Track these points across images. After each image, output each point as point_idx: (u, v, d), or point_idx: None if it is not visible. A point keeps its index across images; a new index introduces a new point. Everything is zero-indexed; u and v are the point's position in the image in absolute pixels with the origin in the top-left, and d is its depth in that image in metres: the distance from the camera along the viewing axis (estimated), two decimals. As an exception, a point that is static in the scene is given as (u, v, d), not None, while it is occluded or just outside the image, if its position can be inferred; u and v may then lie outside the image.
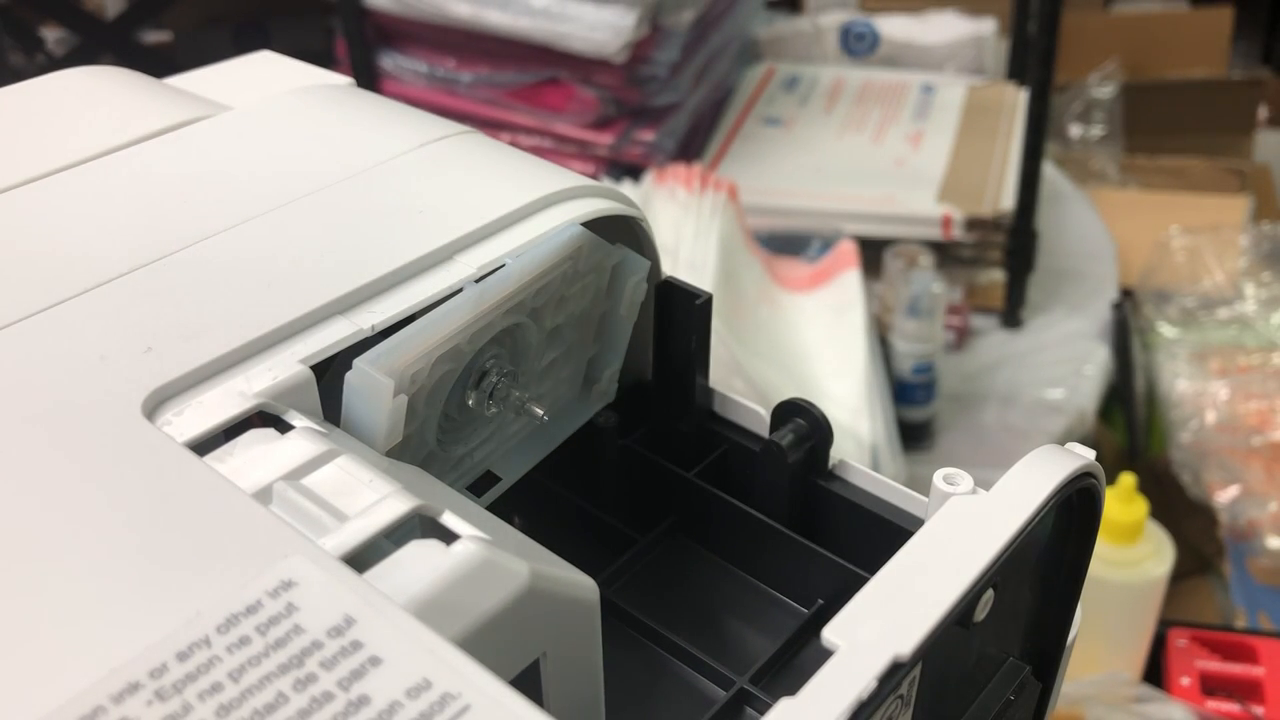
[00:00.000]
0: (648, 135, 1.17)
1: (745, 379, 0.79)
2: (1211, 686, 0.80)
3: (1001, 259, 1.18)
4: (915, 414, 1.04)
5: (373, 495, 0.23)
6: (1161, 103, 1.51)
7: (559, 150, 1.17)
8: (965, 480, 0.27)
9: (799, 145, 1.28)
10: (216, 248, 0.29)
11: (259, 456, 0.24)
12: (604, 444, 0.36)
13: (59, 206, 0.30)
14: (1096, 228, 1.29)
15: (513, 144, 0.36)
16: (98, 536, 0.21)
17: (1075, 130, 1.49)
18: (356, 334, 0.27)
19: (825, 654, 0.23)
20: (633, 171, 1.14)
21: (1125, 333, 1.14)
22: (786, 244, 1.10)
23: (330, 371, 0.27)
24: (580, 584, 0.24)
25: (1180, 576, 0.89)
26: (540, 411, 0.31)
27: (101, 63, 0.41)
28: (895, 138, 1.29)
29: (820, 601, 0.32)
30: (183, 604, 0.19)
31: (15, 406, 0.23)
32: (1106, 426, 1.12)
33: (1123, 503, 0.84)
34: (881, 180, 1.20)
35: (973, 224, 1.15)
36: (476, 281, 0.28)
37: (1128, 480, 0.84)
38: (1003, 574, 0.24)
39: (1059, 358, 1.10)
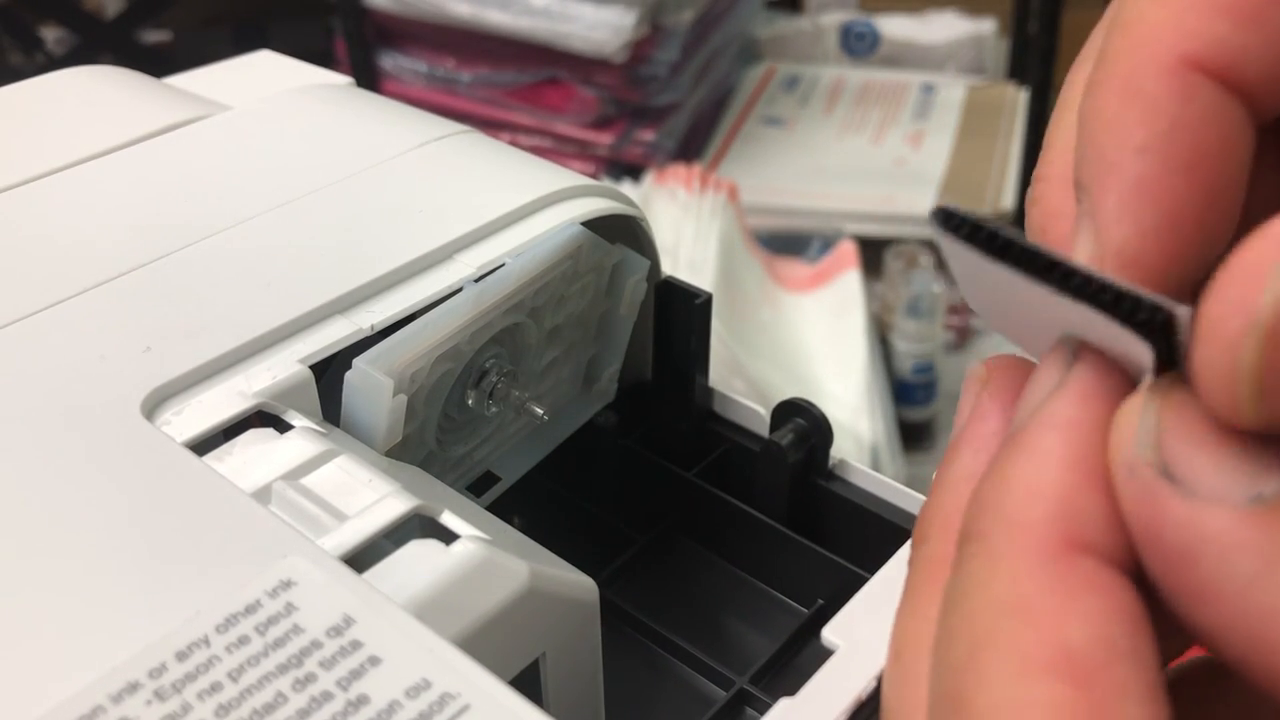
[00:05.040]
0: (648, 135, 1.17)
1: (745, 379, 0.79)
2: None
3: (1002, 259, 1.18)
4: (915, 414, 1.04)
5: (372, 495, 0.23)
6: (1162, 102, 1.51)
7: (559, 150, 1.17)
8: (965, 480, 0.27)
9: (799, 145, 1.28)
10: (216, 247, 0.29)
11: (258, 456, 0.23)
12: (604, 444, 0.36)
13: (59, 206, 0.30)
14: (1097, 227, 1.29)
15: (513, 144, 0.36)
16: (96, 536, 0.21)
17: (1075, 130, 1.49)
18: (356, 333, 0.27)
19: (825, 654, 0.23)
20: (633, 171, 1.14)
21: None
22: (786, 244, 1.10)
23: (330, 371, 0.27)
24: (580, 584, 0.24)
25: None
26: (540, 411, 0.31)
27: (101, 63, 0.40)
28: (895, 138, 1.29)
29: (820, 601, 0.32)
30: (182, 603, 0.19)
31: (14, 405, 0.23)
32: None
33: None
34: (881, 180, 1.20)
35: (973, 224, 1.15)
36: (476, 281, 0.28)
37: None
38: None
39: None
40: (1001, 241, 0.14)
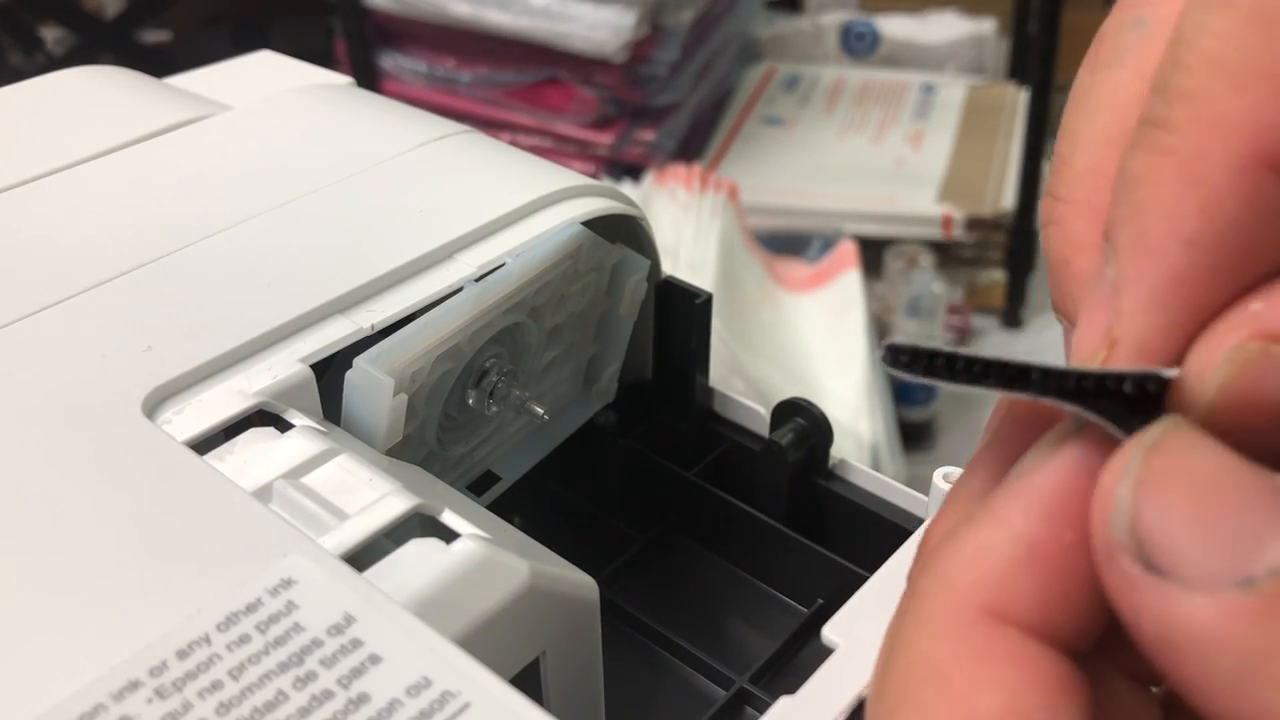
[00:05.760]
0: (648, 135, 1.17)
1: (745, 378, 0.79)
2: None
3: (1002, 259, 1.18)
4: (916, 414, 1.04)
5: (372, 494, 0.23)
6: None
7: (559, 150, 1.17)
8: (965, 479, 0.27)
9: (799, 145, 1.29)
10: (216, 247, 0.29)
11: (259, 455, 0.24)
12: (604, 443, 0.36)
13: (59, 206, 0.30)
14: (1097, 227, 1.29)
15: (513, 144, 0.36)
16: (98, 535, 0.21)
17: (1075, 130, 1.49)
18: (356, 333, 0.27)
19: (825, 653, 0.23)
20: (633, 171, 1.14)
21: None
22: (786, 244, 1.11)
23: (330, 370, 0.27)
24: (580, 582, 0.24)
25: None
26: (540, 410, 0.31)
27: (101, 63, 0.41)
28: (895, 138, 1.29)
29: (820, 601, 0.32)
30: (183, 602, 0.19)
31: (16, 404, 0.23)
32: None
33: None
34: (881, 180, 1.20)
35: (973, 224, 1.15)
36: (476, 280, 0.28)
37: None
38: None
39: (1060, 357, 1.10)
40: (960, 364, 0.14)
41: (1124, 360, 0.13)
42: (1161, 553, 0.12)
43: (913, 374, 0.14)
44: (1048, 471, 0.13)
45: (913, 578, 0.16)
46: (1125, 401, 0.13)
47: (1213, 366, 0.12)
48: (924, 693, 0.13)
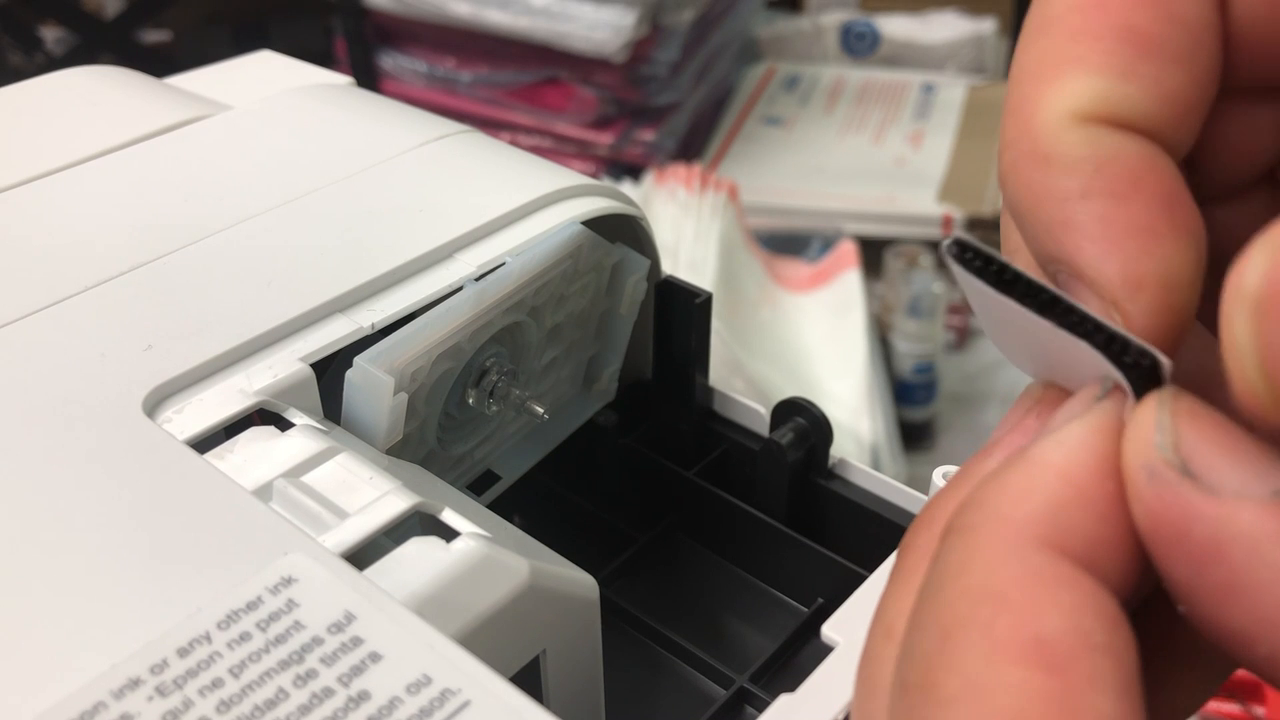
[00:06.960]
0: (648, 135, 1.17)
1: (745, 378, 0.79)
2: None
3: (1002, 259, 1.18)
4: (916, 414, 1.04)
5: (373, 492, 0.23)
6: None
7: (559, 150, 1.17)
8: (965, 478, 0.27)
9: (799, 145, 1.28)
10: (217, 246, 0.29)
11: (259, 454, 0.24)
12: (604, 443, 0.36)
13: (59, 206, 0.30)
14: (1097, 227, 1.29)
15: (513, 144, 0.36)
16: (98, 534, 0.21)
17: (1075, 130, 1.49)
18: (356, 332, 0.27)
19: (825, 652, 0.23)
20: (633, 171, 1.14)
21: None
22: (786, 244, 1.10)
23: (330, 369, 0.27)
24: (580, 581, 0.24)
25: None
26: (540, 410, 0.31)
27: (101, 63, 0.41)
28: (895, 137, 1.29)
29: (820, 600, 0.32)
30: (183, 600, 0.19)
31: (16, 403, 0.23)
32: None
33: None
34: (882, 180, 1.20)
35: (974, 224, 1.15)
36: (476, 280, 0.29)
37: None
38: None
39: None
40: (1010, 275, 0.15)
41: (1130, 304, 0.14)
42: (1204, 469, 0.13)
43: (969, 270, 0.15)
44: (1086, 424, 0.14)
45: (907, 546, 0.16)
46: (1124, 368, 0.14)
47: (1249, 259, 0.12)
48: (983, 613, 0.13)
